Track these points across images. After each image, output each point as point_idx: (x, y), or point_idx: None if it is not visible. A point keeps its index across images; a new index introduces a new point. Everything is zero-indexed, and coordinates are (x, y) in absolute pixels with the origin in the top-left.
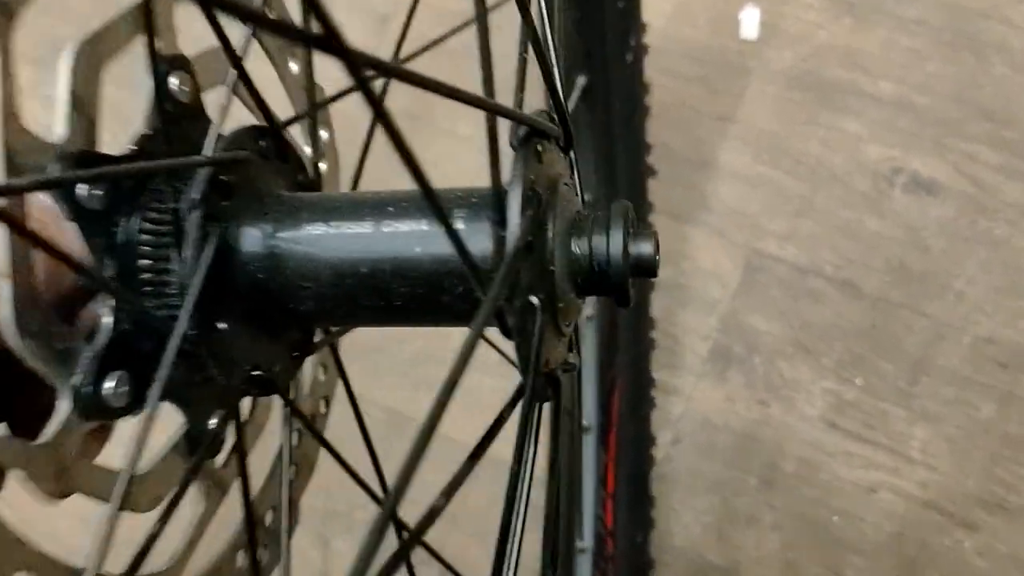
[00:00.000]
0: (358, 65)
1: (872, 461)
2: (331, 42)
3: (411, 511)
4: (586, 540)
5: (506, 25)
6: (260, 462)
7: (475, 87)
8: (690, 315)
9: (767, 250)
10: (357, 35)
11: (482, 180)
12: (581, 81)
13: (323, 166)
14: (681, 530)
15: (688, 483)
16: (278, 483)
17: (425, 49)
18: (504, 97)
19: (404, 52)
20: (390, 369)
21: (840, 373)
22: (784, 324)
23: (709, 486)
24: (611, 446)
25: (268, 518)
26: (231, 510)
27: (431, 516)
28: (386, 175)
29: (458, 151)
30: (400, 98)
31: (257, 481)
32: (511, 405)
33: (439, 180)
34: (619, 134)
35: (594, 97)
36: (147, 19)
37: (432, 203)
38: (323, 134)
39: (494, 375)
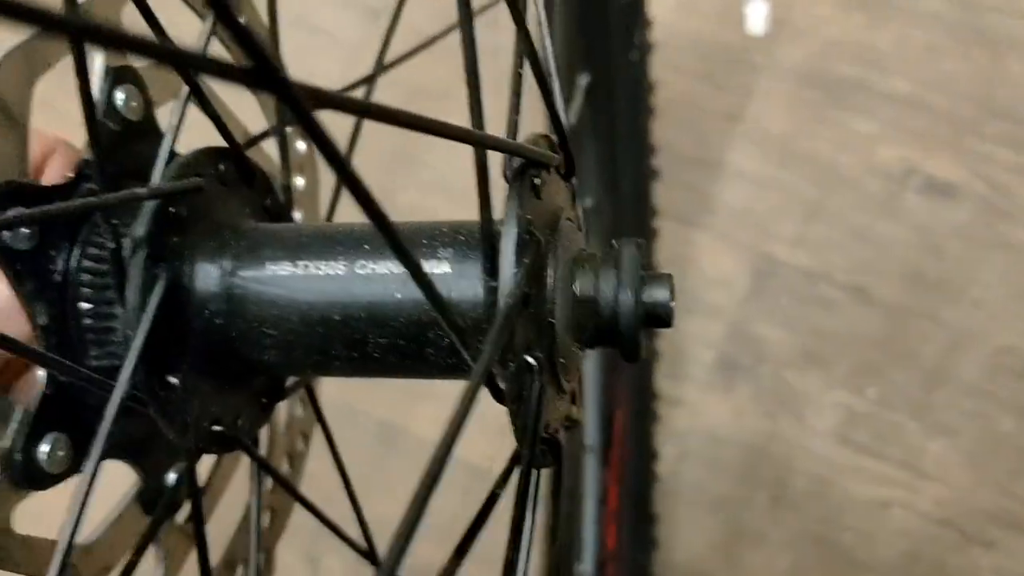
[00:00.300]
0: (298, 101)
1: (885, 477)
2: (268, 77)
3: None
4: (586, 564)
5: (502, 18)
6: (230, 510)
7: (489, 86)
8: (695, 323)
9: (775, 255)
10: (348, 31)
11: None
12: (584, 80)
13: (300, 181)
14: (686, 549)
15: (693, 499)
16: (249, 535)
17: (408, 56)
18: (500, 105)
19: (393, 54)
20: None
21: (851, 384)
22: (793, 332)
23: (715, 503)
24: (614, 464)
25: (239, 571)
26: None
27: None
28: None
29: (464, 153)
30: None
31: (227, 531)
32: (504, 477)
33: (440, 195)
34: (623, 135)
35: (597, 97)
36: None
37: (400, 253)
38: (300, 146)
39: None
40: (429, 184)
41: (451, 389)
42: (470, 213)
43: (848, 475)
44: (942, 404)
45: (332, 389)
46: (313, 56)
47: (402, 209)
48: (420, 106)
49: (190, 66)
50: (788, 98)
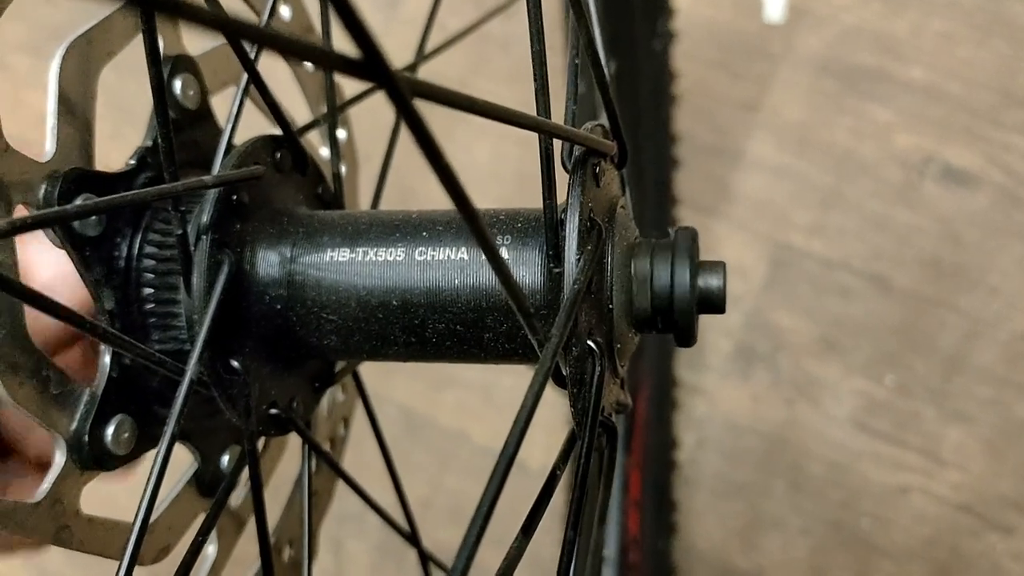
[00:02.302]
0: (403, 93)
1: (903, 463)
2: (372, 67)
3: (435, 517)
4: (610, 549)
5: (515, 9)
6: (273, 493)
7: (504, 76)
8: None
9: (793, 244)
10: (366, 17)
11: (518, 172)
12: (610, 67)
13: (342, 168)
14: (705, 535)
15: (712, 486)
16: (295, 514)
17: (450, 43)
18: (517, 94)
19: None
20: (405, 366)
21: (869, 372)
22: (811, 321)
23: (734, 489)
24: (636, 451)
25: (286, 552)
26: (249, 545)
27: None
28: (409, 182)
29: (479, 142)
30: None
31: (273, 513)
32: (564, 459)
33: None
34: (646, 124)
35: (621, 85)
36: (146, 16)
37: (479, 234)
38: (341, 134)
39: (511, 373)
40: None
41: (474, 376)
42: (483, 199)
43: (866, 461)
44: (960, 391)
45: None
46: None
47: (421, 198)
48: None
49: (298, 55)
50: (806, 87)
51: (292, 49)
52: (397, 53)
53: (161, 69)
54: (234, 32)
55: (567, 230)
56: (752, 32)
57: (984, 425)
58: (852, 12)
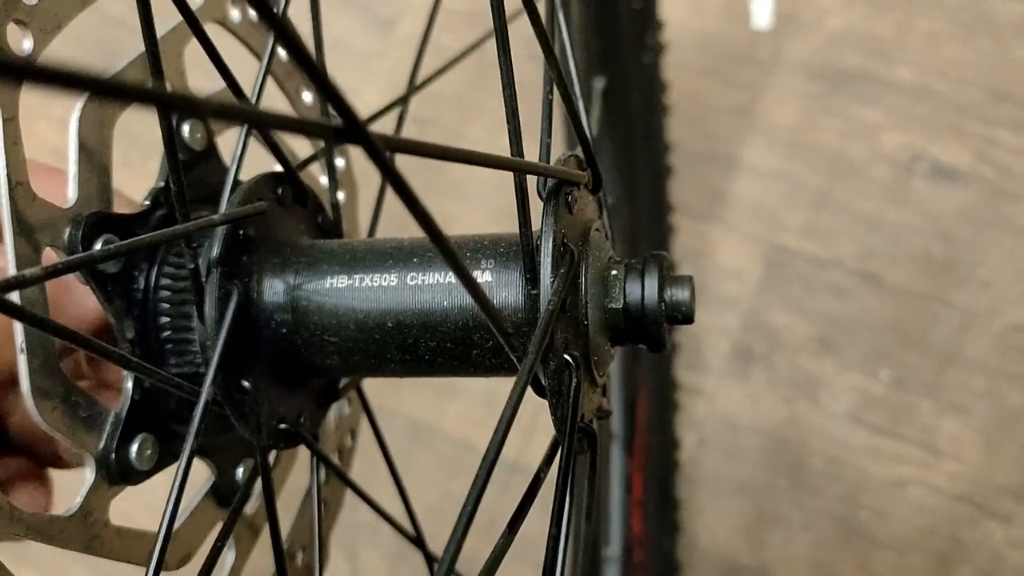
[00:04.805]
0: (379, 151)
1: (900, 455)
2: (354, 133)
3: (446, 522)
4: (613, 548)
5: (512, 29)
6: (286, 502)
7: (493, 97)
8: (710, 314)
9: (786, 245)
10: (361, 40)
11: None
12: (599, 84)
13: (340, 195)
14: (709, 533)
15: (714, 485)
16: (306, 523)
17: (443, 71)
18: (524, 105)
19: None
20: (410, 380)
21: (865, 368)
22: (806, 320)
23: (736, 487)
24: (637, 452)
25: (299, 557)
26: (264, 553)
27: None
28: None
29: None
30: (418, 110)
31: (285, 522)
32: (547, 463)
33: (456, 201)
34: (639, 135)
35: (613, 99)
36: (154, 68)
37: (457, 268)
38: (339, 162)
39: (510, 382)
40: (448, 189)
41: (477, 387)
42: (483, 218)
43: (864, 455)
44: (955, 383)
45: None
46: (331, 68)
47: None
48: (434, 110)
49: (278, 128)
50: (795, 91)
51: (286, 126)
52: (394, 74)
53: (174, 136)
54: (236, 115)
55: (542, 256)
56: (741, 40)
57: (979, 416)
58: (838, 16)
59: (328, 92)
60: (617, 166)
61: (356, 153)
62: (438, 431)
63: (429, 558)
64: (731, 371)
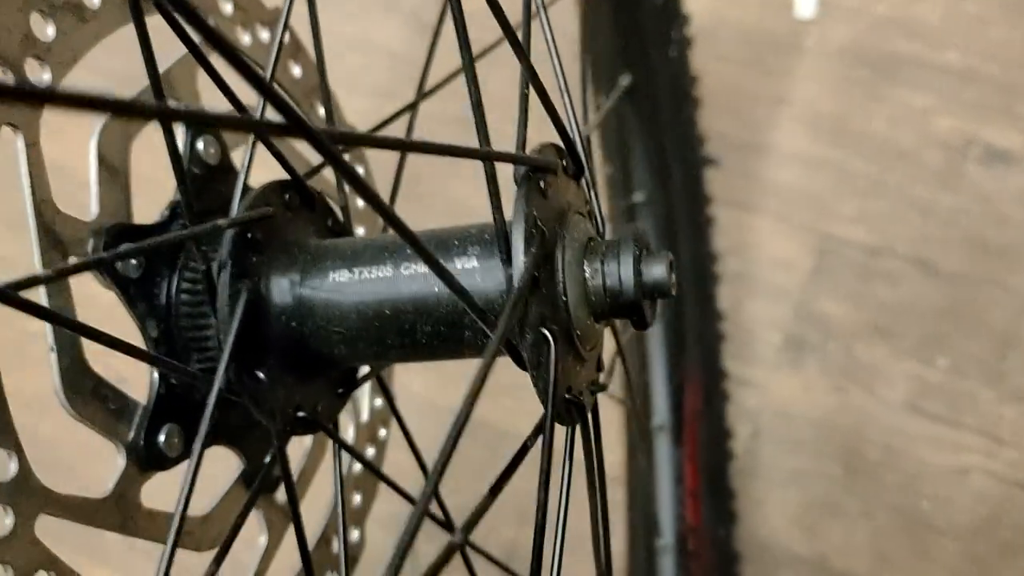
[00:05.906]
0: (324, 143)
1: (960, 444)
2: (298, 129)
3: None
4: (666, 537)
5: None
6: (322, 489)
7: (508, 82)
8: (760, 305)
9: (836, 233)
10: (398, 44)
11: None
12: (625, 80)
13: (361, 203)
14: (765, 523)
15: (769, 476)
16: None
17: (446, 81)
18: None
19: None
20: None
21: (921, 355)
22: (859, 308)
23: (791, 477)
24: (687, 442)
25: (335, 543)
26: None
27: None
28: (431, 194)
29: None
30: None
31: (321, 508)
32: (534, 434)
33: (471, 193)
34: (669, 129)
35: (640, 95)
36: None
37: (421, 252)
38: (360, 169)
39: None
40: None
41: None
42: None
43: (922, 444)
44: (1015, 369)
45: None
46: (375, 72)
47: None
48: (430, 101)
49: (248, 130)
50: (839, 78)
51: (229, 125)
52: (435, 77)
53: (175, 142)
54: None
55: (512, 237)
56: (781, 29)
57: None
58: (882, 2)
59: (264, 90)
60: (648, 162)
61: (374, 158)
62: (446, 410)
63: (448, 524)
64: (783, 361)
